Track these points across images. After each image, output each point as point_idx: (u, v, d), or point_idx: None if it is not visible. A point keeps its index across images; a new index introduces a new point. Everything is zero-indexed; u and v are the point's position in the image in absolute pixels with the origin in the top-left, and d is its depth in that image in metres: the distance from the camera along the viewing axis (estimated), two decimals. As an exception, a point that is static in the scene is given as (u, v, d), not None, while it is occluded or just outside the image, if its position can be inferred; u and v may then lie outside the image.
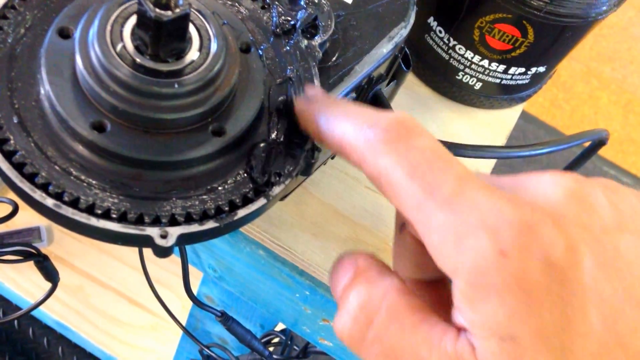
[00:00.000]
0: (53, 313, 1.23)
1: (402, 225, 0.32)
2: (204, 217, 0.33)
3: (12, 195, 0.46)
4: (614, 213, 0.26)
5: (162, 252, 0.31)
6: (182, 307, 1.20)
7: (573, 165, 0.57)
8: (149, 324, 1.27)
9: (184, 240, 0.32)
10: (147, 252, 0.69)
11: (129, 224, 0.31)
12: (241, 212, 0.33)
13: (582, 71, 2.05)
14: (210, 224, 0.32)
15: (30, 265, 0.65)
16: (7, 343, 1.32)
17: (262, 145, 0.35)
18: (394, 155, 0.27)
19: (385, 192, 0.28)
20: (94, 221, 0.31)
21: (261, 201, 0.34)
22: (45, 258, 0.67)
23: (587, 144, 0.53)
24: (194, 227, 0.32)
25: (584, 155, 0.55)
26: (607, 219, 0.25)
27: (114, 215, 0.31)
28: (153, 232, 0.31)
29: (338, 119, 0.31)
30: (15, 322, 1.32)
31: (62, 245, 1.29)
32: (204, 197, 0.33)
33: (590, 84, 2.03)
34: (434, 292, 0.32)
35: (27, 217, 1.25)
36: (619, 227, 0.25)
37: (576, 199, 0.26)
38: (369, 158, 0.28)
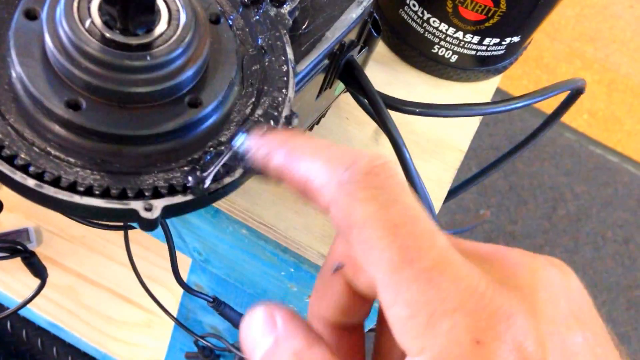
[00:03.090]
0: (45, 314, 1.23)
1: (337, 267, 0.29)
2: (187, 187, 0.33)
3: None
4: (571, 306, 0.25)
5: (148, 225, 0.32)
6: (175, 302, 1.19)
7: (554, 117, 0.57)
8: (142, 320, 1.27)
9: (169, 212, 0.32)
10: (136, 248, 0.69)
11: (112, 199, 0.31)
12: (225, 180, 0.33)
13: (564, 52, 2.06)
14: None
15: (19, 267, 0.65)
16: (0, 346, 1.32)
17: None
18: (373, 206, 0.24)
19: (354, 244, 0.24)
20: (77, 198, 0.31)
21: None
22: (32, 254, 0.67)
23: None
24: (178, 198, 0.32)
25: (564, 105, 0.55)
26: (567, 312, 0.25)
27: (97, 192, 0.31)
28: (137, 205, 0.31)
29: (303, 155, 0.27)
30: (8, 324, 1.32)
31: (51, 245, 1.29)
32: (186, 168, 0.33)
33: (574, 64, 2.05)
34: (350, 338, 0.30)
35: (15, 220, 1.25)
36: (575, 322, 0.25)
37: (544, 287, 0.25)
38: (342, 204, 0.24)
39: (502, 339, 0.23)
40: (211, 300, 0.63)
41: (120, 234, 0.70)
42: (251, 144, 0.30)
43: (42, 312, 1.22)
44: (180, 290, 1.15)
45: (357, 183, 0.24)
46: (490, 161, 0.60)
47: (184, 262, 0.61)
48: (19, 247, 0.64)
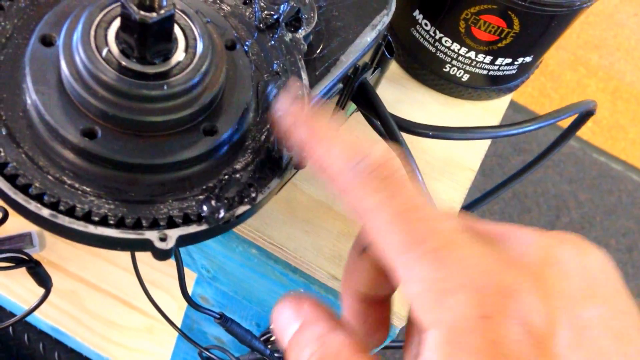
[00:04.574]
0: (48, 318, 1.23)
1: (364, 249, 0.31)
2: (201, 217, 0.33)
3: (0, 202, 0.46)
4: (586, 280, 0.26)
5: (162, 255, 0.31)
6: (179, 308, 1.19)
7: (563, 137, 0.57)
8: (145, 325, 1.27)
9: (183, 241, 0.32)
10: (140, 254, 0.69)
11: (127, 229, 0.31)
12: (239, 210, 0.33)
13: (569, 59, 2.06)
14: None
15: (22, 271, 0.65)
16: (2, 350, 1.32)
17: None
18: (383, 195, 0.26)
19: (368, 229, 0.27)
20: (91, 229, 0.31)
21: (259, 197, 0.34)
22: (37, 264, 0.66)
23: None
24: (193, 228, 0.32)
25: (573, 126, 0.55)
26: (580, 286, 0.25)
27: (111, 222, 0.31)
28: (152, 235, 0.31)
29: (326, 138, 0.29)
30: (10, 328, 1.31)
31: (55, 250, 1.29)
32: (200, 197, 0.33)
33: (578, 71, 2.04)
34: (377, 310, 0.32)
35: (18, 223, 1.25)
36: (590, 296, 0.25)
37: (555, 264, 0.26)
38: (356, 193, 0.27)
39: (509, 314, 0.23)
40: (218, 317, 0.62)
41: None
42: (281, 105, 0.32)
43: (44, 316, 1.22)
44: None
45: (370, 174, 0.27)
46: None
47: (189, 275, 0.61)
48: (24, 256, 0.64)
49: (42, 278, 0.69)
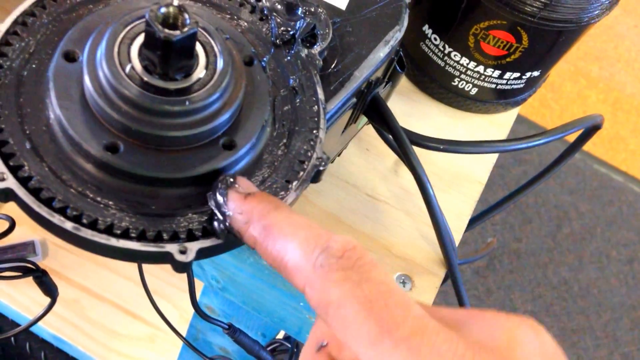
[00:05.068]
0: (50, 327, 1.22)
1: (321, 345, 0.31)
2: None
3: (7, 211, 0.46)
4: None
5: (182, 268, 0.32)
6: (180, 317, 1.19)
7: (570, 151, 0.58)
8: (147, 335, 1.27)
9: (202, 254, 0.32)
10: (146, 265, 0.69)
11: (148, 242, 0.32)
12: None
13: (570, 71, 2.07)
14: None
15: (25, 280, 0.65)
16: (4, 359, 1.32)
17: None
18: (347, 286, 0.26)
19: (333, 322, 0.26)
20: (113, 241, 0.31)
21: None
22: (43, 273, 0.67)
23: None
24: (212, 241, 0.32)
25: (580, 140, 0.56)
26: None
27: (133, 235, 0.31)
28: (172, 248, 0.32)
29: (282, 233, 0.28)
30: (12, 337, 1.31)
31: (57, 258, 1.29)
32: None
33: (579, 83, 2.05)
34: None
35: (20, 232, 1.25)
36: None
37: (519, 346, 0.26)
38: (318, 286, 0.26)
39: None
40: (227, 327, 0.63)
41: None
42: (231, 206, 0.31)
43: (46, 325, 1.22)
44: (187, 307, 1.15)
45: (331, 266, 0.26)
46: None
47: (196, 284, 0.61)
48: (30, 265, 0.64)
49: (48, 287, 0.70)
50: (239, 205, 0.31)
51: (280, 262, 0.28)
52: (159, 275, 1.22)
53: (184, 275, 0.57)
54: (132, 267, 0.73)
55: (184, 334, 0.92)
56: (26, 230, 1.25)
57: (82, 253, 1.31)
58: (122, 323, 1.26)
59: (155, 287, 1.19)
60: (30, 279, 0.66)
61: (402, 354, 0.24)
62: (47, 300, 0.69)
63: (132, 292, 1.28)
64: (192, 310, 0.69)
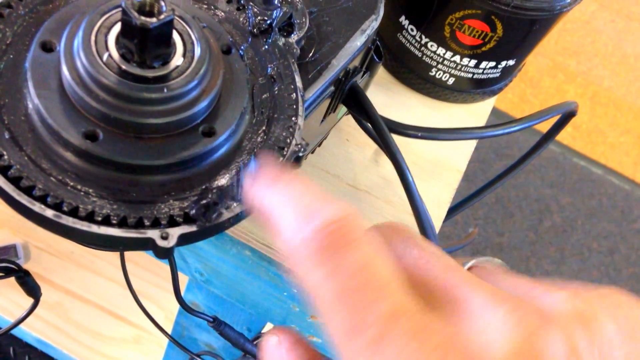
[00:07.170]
0: (33, 331, 1.22)
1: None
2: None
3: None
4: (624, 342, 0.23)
5: (164, 253, 0.32)
6: (165, 318, 1.19)
7: (546, 138, 0.59)
8: (132, 336, 1.26)
9: (184, 239, 0.32)
10: (128, 265, 0.69)
11: (129, 229, 0.32)
12: (237, 208, 0.34)
13: (548, 66, 2.09)
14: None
15: (6, 284, 0.64)
16: (-13, 364, 1.31)
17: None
18: (324, 270, 0.23)
19: (316, 307, 0.24)
20: (95, 228, 0.31)
21: None
22: (26, 273, 0.66)
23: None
24: (194, 227, 0.33)
25: (556, 126, 0.57)
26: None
27: (114, 221, 0.32)
28: (154, 234, 0.32)
29: (280, 198, 0.26)
30: (-5, 342, 1.30)
31: (40, 262, 1.28)
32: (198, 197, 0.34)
33: (557, 78, 2.08)
34: None
35: (3, 235, 1.24)
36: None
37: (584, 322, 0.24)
38: (299, 270, 0.24)
39: None
40: (211, 320, 0.63)
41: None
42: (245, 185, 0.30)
43: (30, 329, 1.21)
44: (172, 307, 1.15)
45: (313, 244, 0.24)
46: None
47: (180, 280, 0.62)
48: (13, 266, 0.64)
49: (31, 288, 0.69)
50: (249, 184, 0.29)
51: (277, 230, 0.26)
52: (143, 276, 1.22)
53: (168, 276, 0.57)
54: (116, 268, 0.73)
55: (170, 332, 0.92)
56: (8, 234, 1.24)
57: (65, 256, 1.30)
58: (107, 325, 1.26)
59: (139, 288, 1.18)
60: (12, 281, 0.66)
61: (371, 357, 0.22)
62: (30, 302, 0.68)
63: (116, 293, 1.28)
64: (177, 312, 0.69)
